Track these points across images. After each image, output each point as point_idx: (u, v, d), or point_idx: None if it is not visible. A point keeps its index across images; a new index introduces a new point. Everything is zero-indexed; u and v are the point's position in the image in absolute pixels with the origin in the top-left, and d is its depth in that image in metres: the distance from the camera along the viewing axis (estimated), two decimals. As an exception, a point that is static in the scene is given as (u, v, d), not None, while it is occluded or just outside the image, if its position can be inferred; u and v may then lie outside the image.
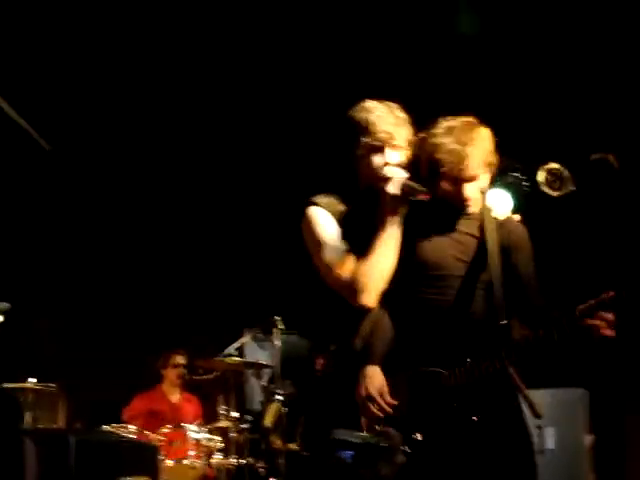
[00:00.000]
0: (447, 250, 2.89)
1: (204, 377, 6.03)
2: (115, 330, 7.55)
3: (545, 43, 5.27)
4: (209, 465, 5.42)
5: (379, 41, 5.53)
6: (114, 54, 5.63)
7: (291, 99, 6.05)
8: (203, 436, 5.47)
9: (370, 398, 2.79)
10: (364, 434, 2.78)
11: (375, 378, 2.82)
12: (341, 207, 2.88)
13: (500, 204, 5.87)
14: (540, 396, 5.31)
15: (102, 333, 7.51)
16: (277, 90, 6.02)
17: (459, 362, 2.77)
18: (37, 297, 7.22)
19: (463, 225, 2.94)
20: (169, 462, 5.31)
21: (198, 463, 5.38)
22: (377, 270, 2.75)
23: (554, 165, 5.60)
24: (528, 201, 5.96)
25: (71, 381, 6.80)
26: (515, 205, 6.13)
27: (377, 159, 2.85)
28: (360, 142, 2.85)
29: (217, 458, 5.47)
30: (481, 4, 5.06)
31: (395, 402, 2.79)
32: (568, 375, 5.78)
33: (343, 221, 2.86)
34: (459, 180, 2.84)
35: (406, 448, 2.73)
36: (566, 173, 5.64)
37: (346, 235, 2.85)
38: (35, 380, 5.60)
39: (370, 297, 2.74)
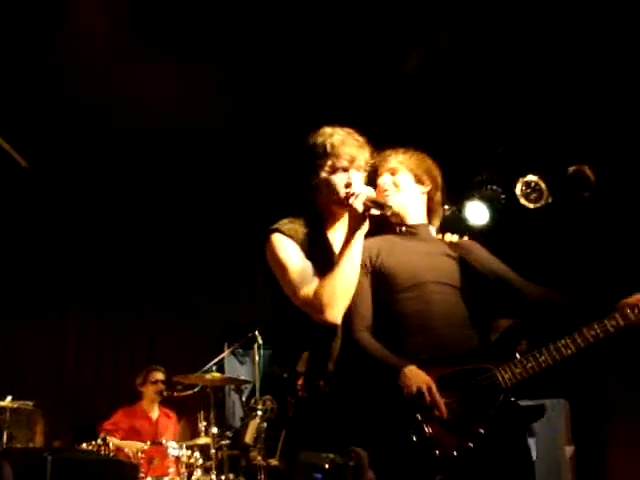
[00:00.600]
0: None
1: (183, 393, 5.99)
2: (94, 347, 7.53)
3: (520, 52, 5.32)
4: (189, 482, 5.38)
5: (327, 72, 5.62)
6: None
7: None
8: (183, 453, 5.43)
9: (420, 395, 2.78)
10: (330, 455, 2.79)
11: (419, 375, 2.82)
12: (303, 230, 2.93)
13: (477, 216, 5.98)
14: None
15: (82, 350, 7.48)
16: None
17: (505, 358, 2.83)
18: (14, 315, 7.20)
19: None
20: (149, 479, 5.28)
21: (178, 480, 5.35)
22: (341, 285, 2.80)
23: (531, 177, 5.69)
24: (504, 213, 6.09)
25: (49, 399, 6.76)
26: (491, 217, 6.23)
27: (340, 179, 2.93)
28: (323, 165, 2.93)
29: (197, 475, 5.44)
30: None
31: (446, 400, 2.80)
32: (548, 386, 5.80)
33: (306, 244, 2.91)
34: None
35: (469, 444, 2.73)
36: (543, 185, 5.75)
37: (310, 257, 2.89)
38: (11, 398, 5.54)
39: (334, 312, 2.77)
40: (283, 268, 2.85)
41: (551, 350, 2.78)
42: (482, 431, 2.76)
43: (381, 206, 2.89)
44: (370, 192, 2.90)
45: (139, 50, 5.21)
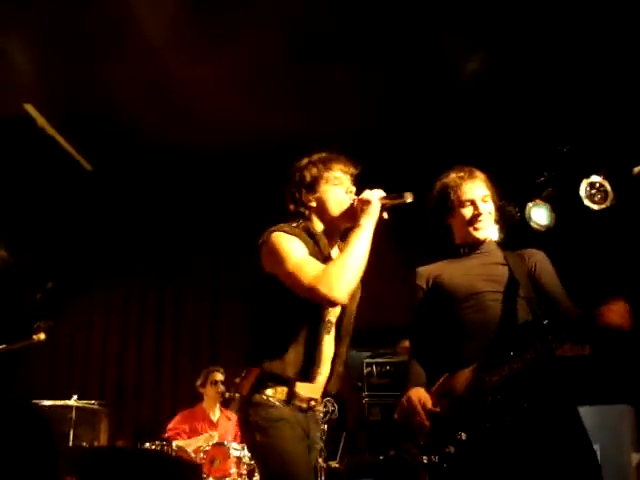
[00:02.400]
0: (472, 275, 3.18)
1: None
2: (158, 348, 7.62)
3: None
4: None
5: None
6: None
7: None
8: (245, 453, 5.45)
9: (412, 410, 2.98)
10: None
11: (418, 393, 3.04)
12: (306, 238, 3.00)
13: (541, 218, 5.91)
14: (584, 413, 5.25)
15: (143, 351, 7.58)
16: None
17: (501, 361, 2.90)
18: (78, 314, 7.33)
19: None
20: (211, 479, 5.31)
21: (239, 480, 5.37)
22: (351, 263, 2.83)
23: (596, 178, 5.57)
24: (567, 215, 5.99)
25: (114, 399, 6.88)
26: (554, 219, 6.15)
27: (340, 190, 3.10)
28: (321, 179, 3.10)
29: (259, 476, 5.45)
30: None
31: (437, 410, 2.96)
32: (613, 391, 5.69)
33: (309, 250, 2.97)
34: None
35: (451, 449, 2.83)
36: (608, 186, 5.63)
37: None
38: (76, 397, 5.64)
39: (343, 290, 2.78)
40: (287, 257, 2.87)
41: (537, 347, 2.82)
42: (463, 436, 2.86)
43: (399, 196, 2.98)
44: (379, 192, 3.01)
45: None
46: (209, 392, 6.41)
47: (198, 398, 6.52)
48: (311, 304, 2.84)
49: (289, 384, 2.94)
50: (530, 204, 5.85)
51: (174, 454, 5.36)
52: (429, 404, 2.98)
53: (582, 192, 5.65)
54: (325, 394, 3.10)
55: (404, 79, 5.50)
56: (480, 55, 5.27)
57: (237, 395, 5.98)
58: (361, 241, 2.88)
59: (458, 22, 4.96)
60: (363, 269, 2.86)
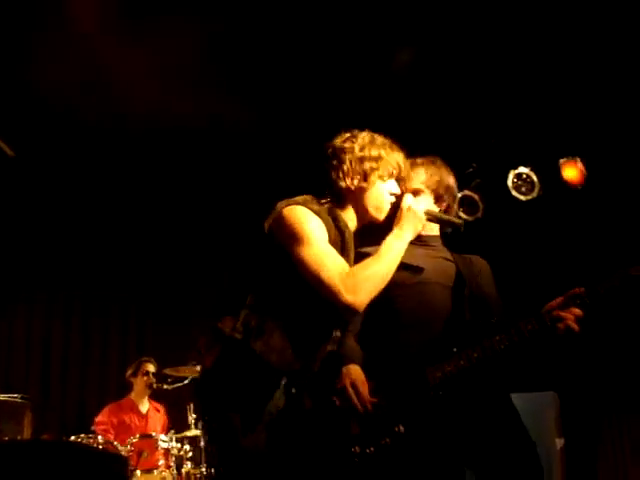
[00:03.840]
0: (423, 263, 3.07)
1: (173, 385, 5.96)
2: (83, 339, 7.48)
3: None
4: (179, 474, 5.36)
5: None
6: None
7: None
8: (173, 445, 5.41)
9: (344, 391, 2.82)
10: None
11: (354, 374, 2.85)
12: (320, 210, 2.69)
13: (469, 209, 5.98)
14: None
15: (68, 343, 7.44)
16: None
17: (445, 356, 2.85)
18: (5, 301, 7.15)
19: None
20: (139, 473, 5.24)
21: (168, 473, 5.32)
22: (379, 272, 2.58)
23: (523, 169, 5.67)
24: (495, 206, 6.10)
25: (38, 392, 6.72)
26: (482, 209, 6.24)
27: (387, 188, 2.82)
28: (372, 171, 2.76)
29: (187, 467, 5.42)
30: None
31: (371, 398, 2.83)
32: (538, 379, 5.81)
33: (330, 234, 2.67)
34: None
35: (387, 440, 2.78)
36: (535, 178, 5.73)
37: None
38: (-3, 392, 5.51)
39: (364, 302, 2.52)
40: (307, 241, 2.53)
41: (484, 346, 2.80)
42: (402, 429, 2.79)
43: (449, 219, 2.97)
44: (426, 203, 2.98)
45: (127, 33, 5.15)
46: (139, 383, 6.32)
47: (126, 390, 6.43)
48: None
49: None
50: (459, 195, 5.91)
51: (101, 447, 5.27)
52: (365, 390, 2.83)
53: (509, 183, 5.74)
54: None
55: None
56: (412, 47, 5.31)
57: (165, 387, 5.96)
58: (396, 250, 2.66)
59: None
60: (388, 279, 2.62)
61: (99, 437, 5.37)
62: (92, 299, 7.62)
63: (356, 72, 5.52)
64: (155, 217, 7.27)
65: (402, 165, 2.83)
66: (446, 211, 3.16)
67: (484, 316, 3.02)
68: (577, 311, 2.73)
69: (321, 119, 5.63)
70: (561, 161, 5.65)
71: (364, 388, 2.82)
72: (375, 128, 2.89)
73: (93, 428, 5.92)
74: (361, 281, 2.51)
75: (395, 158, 2.80)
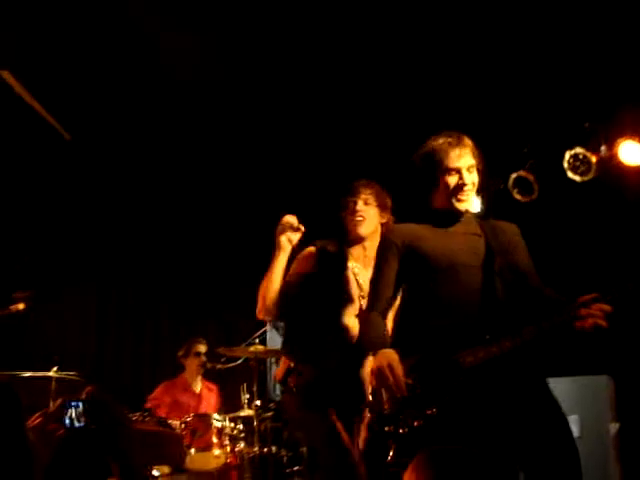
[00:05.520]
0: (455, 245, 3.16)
1: (226, 365, 6.02)
2: (138, 320, 7.58)
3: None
4: (232, 453, 5.41)
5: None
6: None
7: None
8: (226, 424, 5.46)
9: (381, 372, 2.92)
10: None
11: (387, 356, 2.96)
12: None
13: (524, 189, 5.90)
14: (564, 384, 5.29)
15: (125, 323, 7.54)
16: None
17: (478, 341, 2.91)
18: (61, 284, 7.25)
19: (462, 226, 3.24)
20: (193, 451, 5.31)
21: (222, 451, 5.37)
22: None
23: (579, 150, 5.55)
24: (549, 187, 5.99)
25: (94, 370, 6.84)
26: (537, 190, 6.15)
27: None
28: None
29: (240, 446, 5.47)
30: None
31: (407, 380, 2.92)
32: (593, 362, 5.74)
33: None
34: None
35: (420, 422, 2.86)
36: (593, 159, 5.61)
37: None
38: (56, 368, 5.60)
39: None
40: None
41: (515, 336, 2.88)
42: (434, 411, 2.86)
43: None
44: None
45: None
46: (191, 363, 6.40)
47: (179, 369, 6.51)
48: None
49: None
50: (513, 175, 5.83)
51: (156, 425, 5.35)
52: (400, 372, 2.91)
53: (565, 164, 5.64)
54: None
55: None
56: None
57: (217, 366, 6.03)
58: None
59: None
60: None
61: (153, 415, 5.46)
62: (147, 275, 7.68)
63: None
64: (208, 201, 7.33)
65: None
66: None
67: (519, 286, 3.10)
68: (606, 307, 2.82)
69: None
70: (619, 141, 5.53)
71: (399, 370, 2.91)
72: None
73: (147, 406, 6.01)
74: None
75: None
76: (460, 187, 3.12)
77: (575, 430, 5.55)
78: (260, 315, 3.75)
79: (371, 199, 3.78)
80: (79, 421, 1.87)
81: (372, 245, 3.71)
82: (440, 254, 3.08)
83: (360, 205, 3.77)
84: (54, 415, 1.89)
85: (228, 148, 6.68)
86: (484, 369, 2.88)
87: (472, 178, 3.14)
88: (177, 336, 7.37)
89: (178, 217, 7.55)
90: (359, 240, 3.80)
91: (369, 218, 3.78)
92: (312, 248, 3.82)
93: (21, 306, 4.94)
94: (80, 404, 1.88)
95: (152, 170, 7.08)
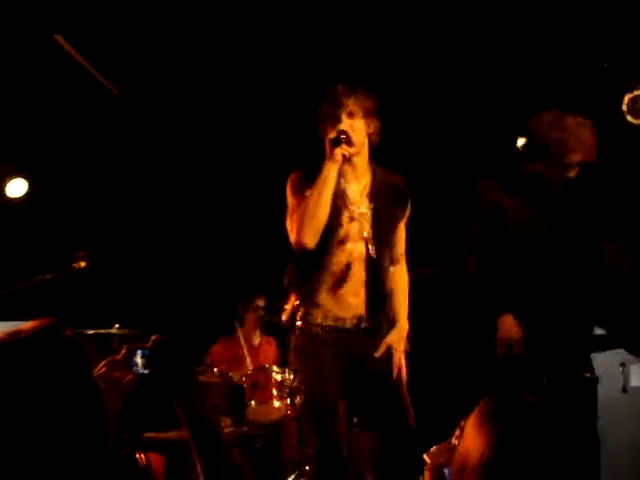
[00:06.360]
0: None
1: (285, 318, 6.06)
2: (195, 275, 7.65)
3: None
4: (292, 405, 5.47)
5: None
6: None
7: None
8: (286, 377, 5.51)
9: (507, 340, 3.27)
10: None
11: (510, 323, 3.31)
12: None
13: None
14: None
15: (182, 278, 7.62)
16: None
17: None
18: (119, 244, 7.37)
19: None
20: (253, 403, 5.39)
21: (281, 404, 5.44)
22: (310, 211, 3.24)
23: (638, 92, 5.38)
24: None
25: (154, 326, 6.94)
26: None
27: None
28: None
29: (300, 399, 5.51)
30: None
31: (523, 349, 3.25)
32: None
33: None
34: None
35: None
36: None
37: None
38: (118, 325, 5.71)
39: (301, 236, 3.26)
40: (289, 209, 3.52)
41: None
42: (545, 381, 3.22)
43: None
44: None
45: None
46: (250, 317, 6.48)
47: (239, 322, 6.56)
48: None
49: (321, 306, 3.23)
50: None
51: (217, 378, 5.44)
52: (520, 342, 3.24)
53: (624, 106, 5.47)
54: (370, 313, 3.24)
55: None
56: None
57: (275, 320, 6.07)
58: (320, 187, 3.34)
59: None
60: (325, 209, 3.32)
61: (214, 369, 5.55)
62: (206, 231, 7.72)
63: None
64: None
65: None
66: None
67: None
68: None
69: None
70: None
71: (519, 339, 3.25)
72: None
73: (208, 361, 6.11)
74: (296, 225, 3.32)
75: None
76: (574, 181, 3.48)
77: (636, 380, 5.47)
78: (304, 243, 3.28)
79: (356, 108, 3.33)
80: (145, 368, 1.91)
81: (360, 160, 3.46)
82: (543, 238, 3.53)
83: (344, 120, 3.32)
84: (121, 362, 1.93)
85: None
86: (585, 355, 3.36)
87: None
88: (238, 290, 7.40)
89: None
90: (348, 158, 3.42)
91: (355, 134, 3.35)
92: (295, 173, 3.51)
93: (83, 264, 5.03)
94: (146, 352, 1.92)
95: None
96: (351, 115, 3.32)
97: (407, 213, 3.55)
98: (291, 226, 3.30)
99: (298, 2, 5.32)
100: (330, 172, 3.24)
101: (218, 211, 7.67)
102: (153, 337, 1.96)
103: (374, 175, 3.53)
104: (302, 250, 3.26)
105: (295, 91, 5.98)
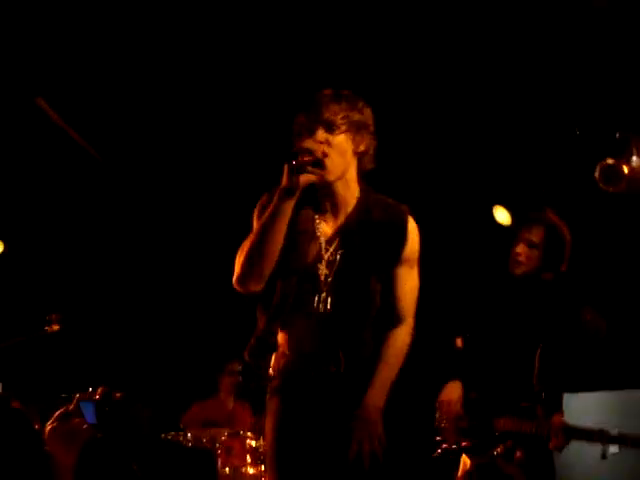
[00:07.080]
0: None
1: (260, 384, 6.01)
2: (172, 340, 7.59)
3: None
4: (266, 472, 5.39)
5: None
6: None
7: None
8: (260, 443, 5.45)
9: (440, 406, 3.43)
10: None
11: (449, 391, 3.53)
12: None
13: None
14: (604, 398, 5.18)
15: (159, 343, 7.55)
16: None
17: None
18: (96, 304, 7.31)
19: None
20: (227, 470, 5.31)
21: (256, 470, 5.36)
22: (251, 250, 2.63)
23: (610, 161, 5.46)
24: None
25: (127, 390, 6.83)
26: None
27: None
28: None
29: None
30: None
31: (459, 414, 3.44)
32: (633, 376, 5.63)
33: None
34: None
35: None
36: (624, 170, 5.49)
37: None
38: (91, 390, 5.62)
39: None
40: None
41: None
42: None
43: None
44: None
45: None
46: (225, 381, 6.42)
47: (214, 388, 6.52)
48: None
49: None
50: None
51: (189, 444, 5.36)
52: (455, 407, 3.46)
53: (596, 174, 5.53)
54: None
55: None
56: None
57: (251, 385, 6.01)
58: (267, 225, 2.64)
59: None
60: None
61: (188, 434, 5.47)
62: (185, 295, 7.66)
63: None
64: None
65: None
66: None
67: None
68: None
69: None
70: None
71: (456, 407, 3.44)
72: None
73: (181, 425, 6.03)
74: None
75: None
76: None
77: (614, 447, 5.42)
78: (241, 284, 2.68)
79: (338, 120, 2.60)
80: (94, 418, 1.87)
81: (341, 187, 2.69)
82: None
83: (318, 134, 2.59)
84: (73, 412, 1.89)
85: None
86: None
87: None
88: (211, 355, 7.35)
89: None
90: (323, 185, 2.68)
91: (334, 153, 2.60)
92: (265, 196, 2.75)
93: (56, 327, 4.98)
94: (92, 405, 1.88)
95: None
96: (329, 128, 2.60)
97: (408, 256, 2.74)
98: (237, 260, 2.68)
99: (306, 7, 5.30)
100: (281, 205, 2.54)
101: (197, 272, 7.65)
102: (100, 389, 1.92)
103: (356, 208, 2.72)
104: (243, 292, 2.67)
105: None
